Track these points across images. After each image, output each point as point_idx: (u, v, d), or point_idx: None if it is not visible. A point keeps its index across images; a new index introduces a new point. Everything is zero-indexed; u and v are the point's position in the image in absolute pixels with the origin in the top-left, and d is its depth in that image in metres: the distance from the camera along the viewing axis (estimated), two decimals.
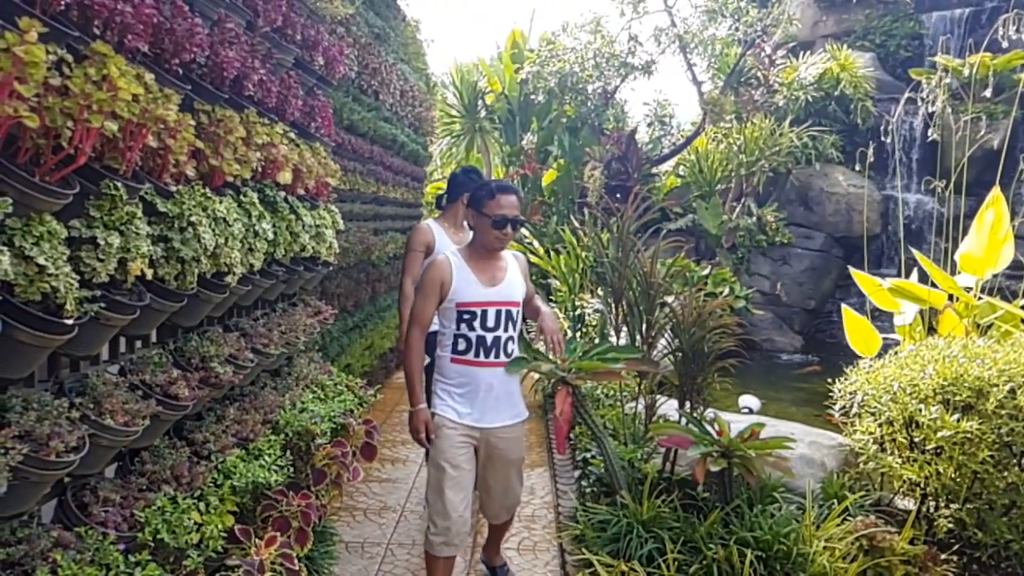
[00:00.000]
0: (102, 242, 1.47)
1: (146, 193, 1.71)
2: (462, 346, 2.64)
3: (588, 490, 3.77)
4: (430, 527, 2.66)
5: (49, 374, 1.64)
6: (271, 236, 2.16)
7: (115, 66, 1.45)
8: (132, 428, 1.55)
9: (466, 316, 2.62)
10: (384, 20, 6.45)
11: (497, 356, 2.66)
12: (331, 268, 4.85)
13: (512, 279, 2.75)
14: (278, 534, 1.99)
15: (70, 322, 1.39)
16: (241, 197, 2.10)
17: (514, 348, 2.72)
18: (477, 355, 2.63)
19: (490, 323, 2.63)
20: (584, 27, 11.55)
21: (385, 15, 6.51)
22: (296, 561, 1.96)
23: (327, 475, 2.21)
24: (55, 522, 1.55)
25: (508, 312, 2.68)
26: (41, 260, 1.28)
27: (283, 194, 2.39)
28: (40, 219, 1.34)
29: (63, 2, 1.44)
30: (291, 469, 2.13)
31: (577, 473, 4.47)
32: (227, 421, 2.07)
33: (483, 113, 13.81)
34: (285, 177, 2.31)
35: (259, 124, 2.17)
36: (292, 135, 2.46)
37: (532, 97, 12.10)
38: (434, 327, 2.81)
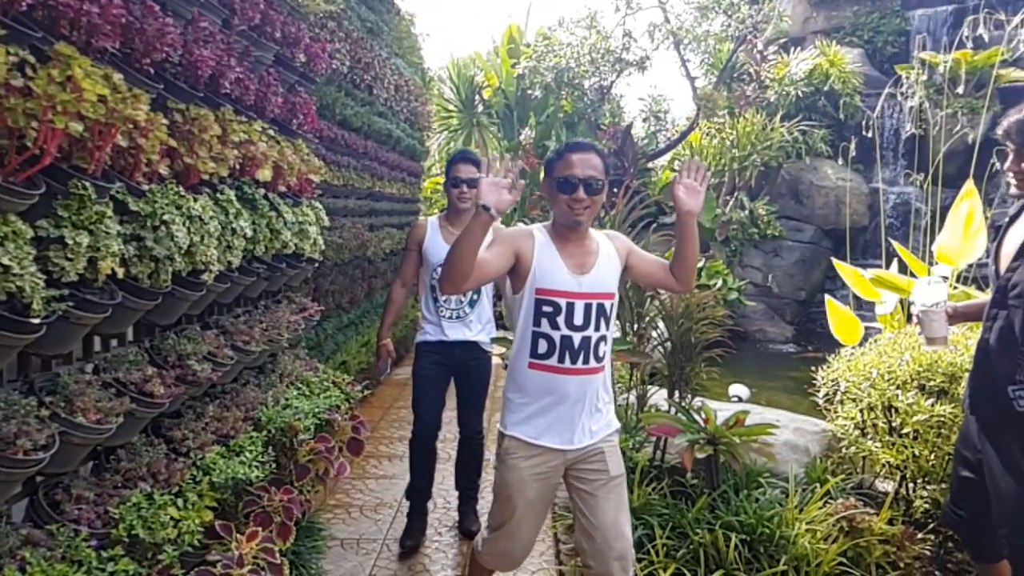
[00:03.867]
0: (70, 241, 1.49)
1: (117, 192, 1.73)
2: (543, 348, 2.17)
3: None
4: (486, 543, 2.35)
5: (19, 373, 1.66)
6: (250, 233, 2.18)
7: (79, 67, 1.47)
8: (105, 426, 1.58)
9: (547, 310, 2.15)
10: (377, 14, 6.47)
11: (586, 361, 2.17)
12: (326, 265, 4.92)
13: (604, 266, 2.24)
14: (259, 529, 2.01)
15: (37, 321, 1.41)
16: (218, 195, 2.12)
17: (606, 351, 2.24)
18: (562, 360, 2.16)
19: (578, 320, 2.15)
20: (580, 22, 11.56)
21: (378, 9, 6.53)
22: (277, 555, 1.99)
23: (310, 471, 2.24)
24: (26, 521, 1.57)
25: (600, 307, 2.19)
26: (5, 260, 1.30)
27: (263, 191, 2.41)
28: (4, 219, 1.37)
29: (25, 3, 1.46)
30: (273, 465, 2.15)
31: None
32: (207, 418, 2.09)
33: (480, 108, 13.81)
34: (264, 174, 2.33)
35: (236, 122, 2.19)
36: (271, 132, 2.48)
37: (529, 92, 12.12)
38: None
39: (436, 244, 3.36)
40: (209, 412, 2.11)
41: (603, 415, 2.28)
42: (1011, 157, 2.28)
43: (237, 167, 2.23)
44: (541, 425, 2.19)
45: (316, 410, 2.25)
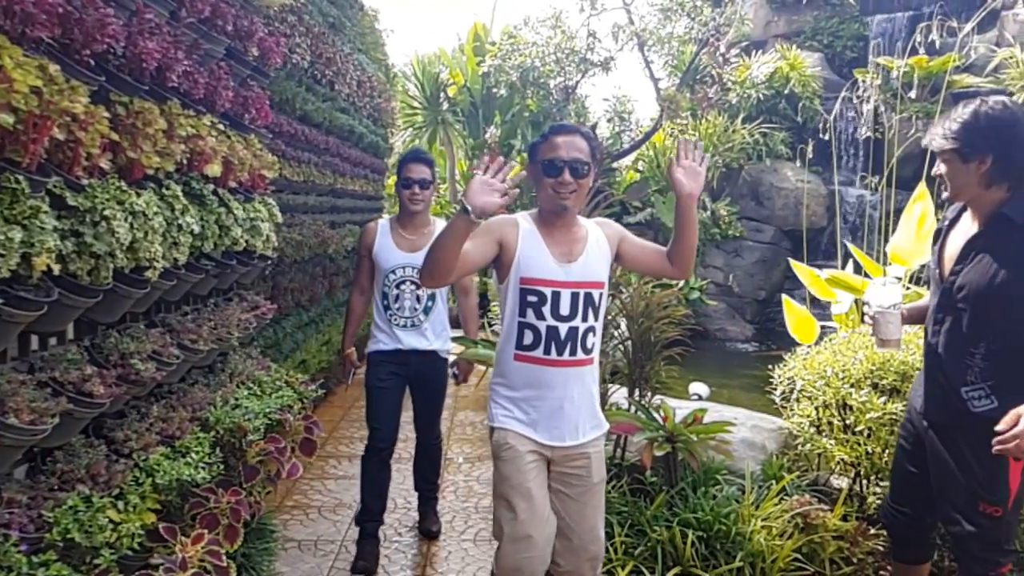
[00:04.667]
0: (1, 236, 1.44)
1: (54, 186, 1.67)
2: (528, 339, 2.10)
3: None
4: (499, 558, 2.16)
5: None
6: (197, 230, 2.12)
7: (9, 57, 1.41)
8: (39, 427, 1.52)
9: (532, 299, 2.08)
10: (339, 9, 6.39)
11: (574, 353, 2.11)
12: (285, 262, 4.84)
13: (593, 254, 2.16)
14: (206, 531, 1.97)
15: None
16: (163, 190, 2.06)
17: (595, 343, 2.17)
18: (548, 351, 2.09)
19: (564, 310, 2.08)
20: (545, 22, 11.57)
21: (340, 4, 6.45)
22: (223, 558, 1.95)
23: (260, 471, 2.20)
24: None
25: (588, 296, 2.11)
26: None
27: (212, 187, 2.35)
28: None
29: None
30: (222, 466, 2.10)
31: None
32: (151, 419, 2.03)
33: (445, 105, 13.75)
34: (214, 170, 2.27)
35: (183, 116, 2.14)
36: (222, 127, 2.42)
37: (494, 91, 12.09)
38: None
39: (387, 249, 3.22)
40: (154, 412, 2.06)
41: (593, 413, 2.22)
42: (956, 163, 2.26)
43: (185, 162, 2.17)
44: (529, 419, 2.13)
45: (267, 410, 2.21)
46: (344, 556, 3.43)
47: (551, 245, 2.12)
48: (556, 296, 2.08)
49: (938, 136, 2.23)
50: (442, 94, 13.66)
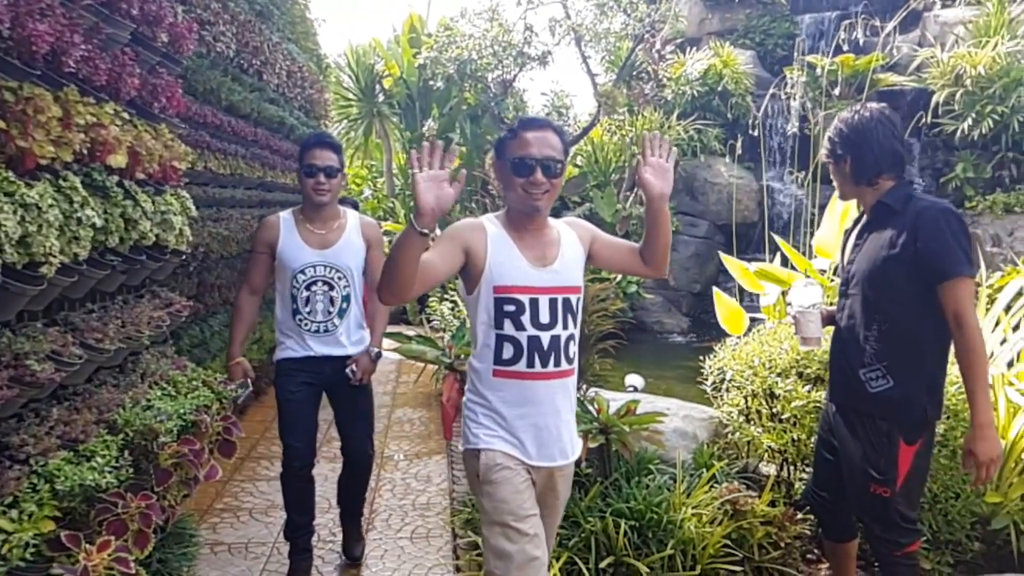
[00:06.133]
0: None
1: None
2: (509, 353, 1.93)
3: None
4: None
5: None
6: (99, 223, 2.00)
7: None
8: None
9: (509, 309, 1.92)
10: None
11: (558, 363, 1.96)
12: (211, 258, 4.66)
13: (568, 256, 2.03)
14: (113, 538, 1.87)
15: None
16: (60, 182, 1.93)
17: (575, 351, 2.03)
18: (531, 363, 1.93)
19: (544, 318, 1.93)
20: (481, 14, 11.52)
21: None
22: (133, 565, 1.85)
23: (172, 474, 2.10)
24: None
25: (567, 302, 1.98)
26: None
27: (116, 178, 2.22)
28: None
29: None
30: (131, 470, 1.99)
31: None
32: (52, 422, 1.91)
33: (381, 97, 13.54)
34: (118, 160, 2.14)
35: (82, 103, 2.00)
36: (127, 115, 2.29)
37: (431, 83, 11.98)
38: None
39: (293, 246, 2.88)
40: (55, 415, 1.93)
41: (572, 429, 2.07)
42: (832, 165, 2.55)
43: (85, 152, 2.03)
44: (517, 438, 1.95)
45: (181, 411, 2.10)
46: (276, 558, 3.33)
47: (523, 249, 1.97)
48: (534, 303, 1.93)
49: (823, 146, 2.53)
50: (377, 86, 13.45)
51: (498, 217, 2.04)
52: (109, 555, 1.81)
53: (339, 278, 2.93)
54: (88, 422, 1.96)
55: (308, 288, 2.89)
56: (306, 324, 2.91)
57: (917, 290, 2.27)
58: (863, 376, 2.37)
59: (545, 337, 1.93)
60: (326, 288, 2.91)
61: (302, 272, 2.88)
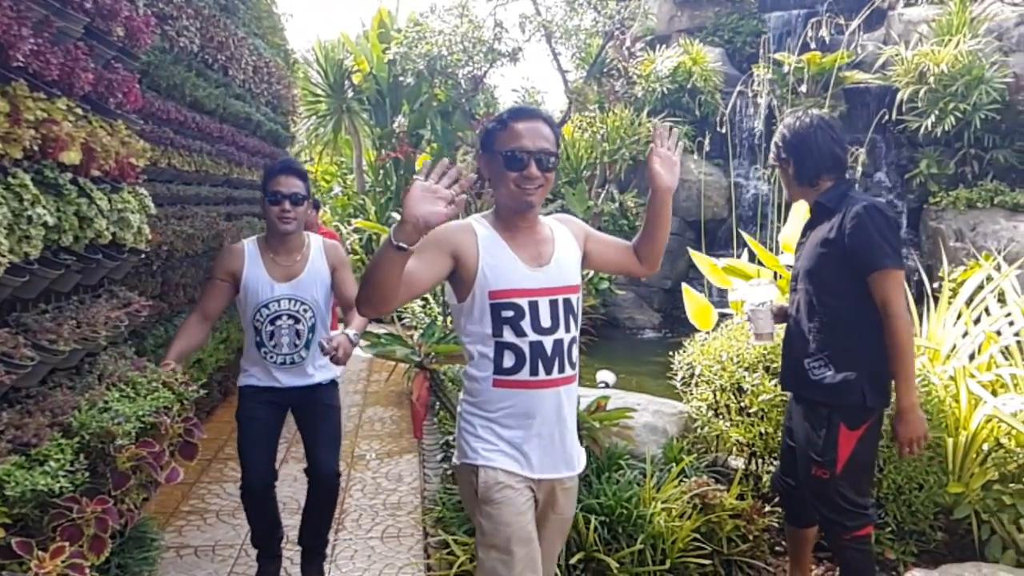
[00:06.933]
0: None
1: None
2: (510, 361, 1.82)
3: (451, 473, 3.78)
4: None
5: None
6: (52, 222, 1.93)
7: None
8: None
9: (508, 314, 1.80)
10: None
11: (562, 370, 1.85)
12: (176, 257, 4.56)
13: (564, 254, 1.92)
14: (67, 544, 1.82)
15: None
16: (9, 179, 1.86)
17: (578, 355, 1.94)
18: (535, 371, 1.81)
19: (545, 321, 1.82)
20: (451, 10, 11.47)
21: None
22: (88, 571, 1.80)
23: (131, 478, 2.04)
24: None
25: (567, 303, 1.87)
26: None
27: (69, 176, 2.15)
28: None
29: None
30: (87, 474, 1.94)
31: (440, 456, 4.46)
32: (1, 425, 1.84)
33: (350, 93, 13.40)
34: (71, 157, 2.07)
35: (31, 99, 1.94)
36: (80, 111, 2.22)
37: (401, 79, 11.89)
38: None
39: (258, 280, 2.75)
40: (5, 419, 1.87)
41: (576, 438, 1.96)
42: (779, 168, 2.69)
43: (36, 149, 1.97)
44: (520, 451, 1.84)
45: (139, 413, 2.05)
46: (244, 560, 3.29)
47: (517, 249, 1.85)
48: (534, 306, 1.81)
49: (780, 145, 2.65)
50: (347, 81, 13.30)
51: (486, 217, 1.92)
52: (63, 562, 1.76)
53: (304, 310, 2.82)
54: (41, 425, 1.90)
55: (272, 323, 2.78)
56: (271, 357, 2.81)
57: (852, 283, 2.40)
58: (807, 365, 2.50)
59: (548, 342, 1.82)
60: (292, 322, 2.80)
61: (266, 307, 2.77)
